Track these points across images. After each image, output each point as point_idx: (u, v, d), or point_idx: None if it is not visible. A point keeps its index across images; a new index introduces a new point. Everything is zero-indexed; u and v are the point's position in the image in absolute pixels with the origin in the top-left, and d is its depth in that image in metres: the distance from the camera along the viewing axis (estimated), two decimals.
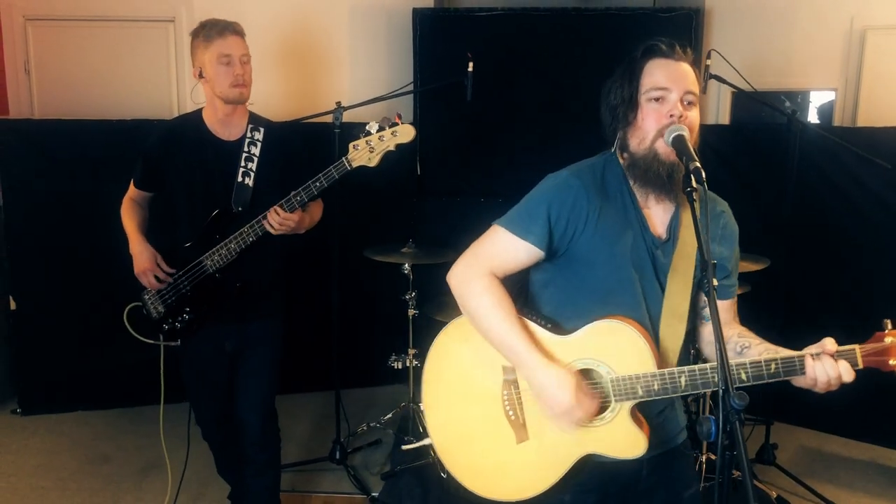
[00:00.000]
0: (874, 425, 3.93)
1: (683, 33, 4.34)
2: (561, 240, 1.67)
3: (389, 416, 3.97)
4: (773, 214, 3.81)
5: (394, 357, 3.78)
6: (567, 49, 4.36)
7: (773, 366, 1.50)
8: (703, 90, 3.55)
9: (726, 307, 1.77)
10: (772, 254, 3.50)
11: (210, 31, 2.58)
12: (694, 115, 1.62)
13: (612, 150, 1.74)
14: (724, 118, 4.80)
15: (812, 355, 1.49)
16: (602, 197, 1.67)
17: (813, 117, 4.74)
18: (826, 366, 1.47)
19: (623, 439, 1.63)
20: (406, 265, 3.62)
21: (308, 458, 3.68)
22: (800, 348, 1.53)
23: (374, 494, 3.40)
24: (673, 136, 1.55)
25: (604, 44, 4.33)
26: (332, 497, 3.41)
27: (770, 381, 1.51)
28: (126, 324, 2.77)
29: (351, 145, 2.55)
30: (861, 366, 1.47)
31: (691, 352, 1.82)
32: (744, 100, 4.64)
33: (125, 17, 4.44)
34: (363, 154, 2.54)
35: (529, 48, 4.40)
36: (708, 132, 4.57)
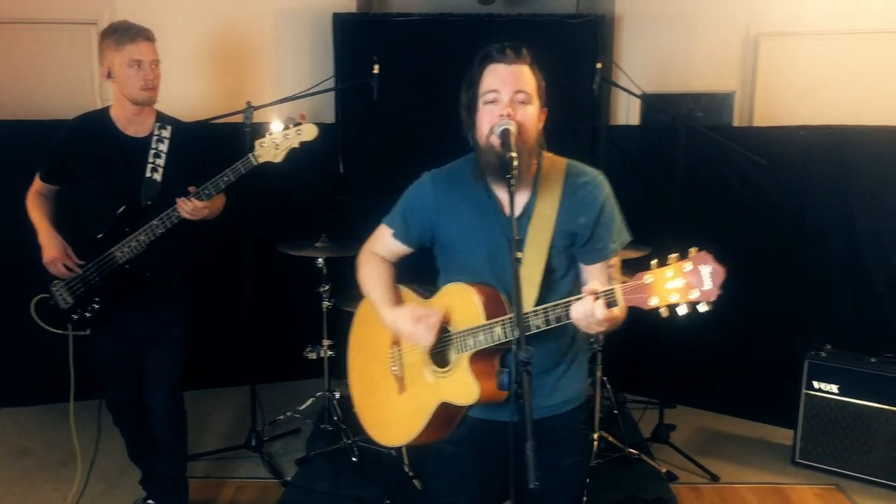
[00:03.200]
0: (764, 406, 4.20)
1: (590, 39, 4.58)
2: (421, 232, 1.98)
3: (307, 405, 4.12)
4: (670, 208, 4.06)
5: (309, 348, 3.93)
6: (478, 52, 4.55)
7: (557, 309, 1.67)
8: (596, 93, 3.82)
9: (598, 270, 1.89)
10: (665, 244, 3.74)
11: (122, 35, 2.70)
12: (526, 112, 1.80)
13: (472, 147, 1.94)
14: (635, 119, 5.05)
15: (576, 298, 1.65)
16: (455, 190, 1.91)
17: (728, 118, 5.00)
18: (584, 304, 1.60)
19: (461, 387, 1.82)
20: (319, 259, 3.77)
21: (225, 447, 3.81)
22: None
23: (286, 479, 3.55)
24: (500, 129, 1.74)
25: None
26: (245, 482, 3.54)
27: (561, 322, 1.67)
28: (34, 315, 2.87)
29: (257, 143, 2.73)
30: (622, 304, 1.56)
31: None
32: (655, 102, 4.90)
33: (48, 19, 4.50)
34: (269, 151, 2.72)
35: (446, 52, 4.55)
36: (615, 132, 4.85)
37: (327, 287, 3.82)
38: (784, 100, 4.68)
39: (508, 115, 1.76)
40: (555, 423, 1.89)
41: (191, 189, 2.69)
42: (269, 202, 4.23)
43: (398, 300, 2.02)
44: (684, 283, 1.47)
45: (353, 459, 3.63)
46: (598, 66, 3.70)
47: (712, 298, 1.46)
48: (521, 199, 1.87)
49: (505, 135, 1.72)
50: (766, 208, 4.19)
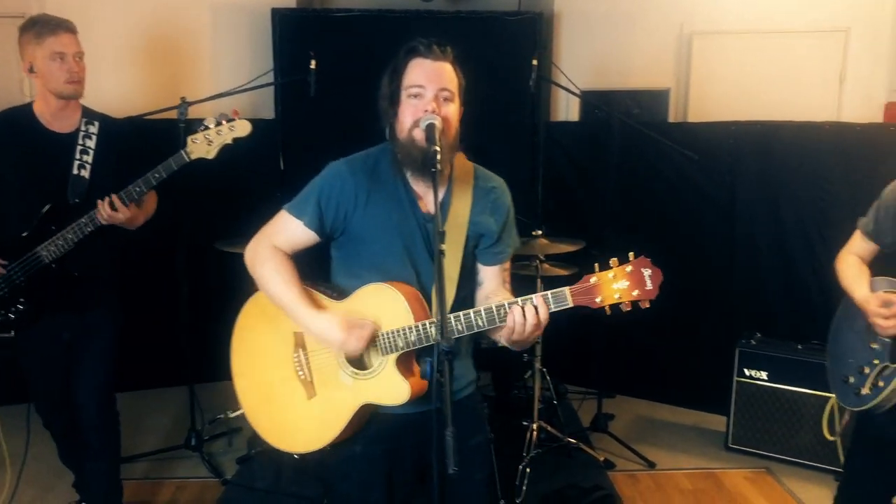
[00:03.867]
0: (699, 394, 4.33)
1: (529, 36, 4.65)
2: (334, 221, 1.89)
3: None
4: (606, 203, 4.16)
5: None
6: None
7: (481, 316, 1.71)
8: (533, 89, 3.87)
9: (494, 273, 1.96)
10: (602, 238, 3.84)
11: (42, 28, 2.64)
12: (450, 110, 1.82)
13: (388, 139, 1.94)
14: (574, 115, 5.13)
15: (509, 303, 1.69)
16: (372, 182, 1.89)
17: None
18: (520, 310, 1.67)
19: (390, 388, 1.82)
20: None
21: (163, 447, 3.76)
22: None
23: (226, 478, 3.52)
24: (425, 123, 1.76)
25: (455, 45, 4.55)
26: (185, 482, 3.51)
27: (485, 328, 1.71)
28: None
29: (189, 138, 2.68)
30: (572, 303, 1.66)
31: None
32: (594, 98, 4.99)
33: None
34: (201, 147, 2.67)
35: (386, 48, 4.54)
36: (555, 128, 4.92)
37: None
38: (716, 96, 4.82)
39: (433, 111, 1.78)
40: (460, 407, 1.89)
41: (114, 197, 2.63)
42: (207, 200, 4.18)
43: (316, 304, 1.90)
44: (627, 285, 1.63)
45: (295, 457, 3.60)
46: (535, 62, 3.74)
47: (652, 297, 1.62)
48: (439, 195, 1.88)
49: (430, 129, 1.74)
50: (699, 201, 4.31)
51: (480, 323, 1.71)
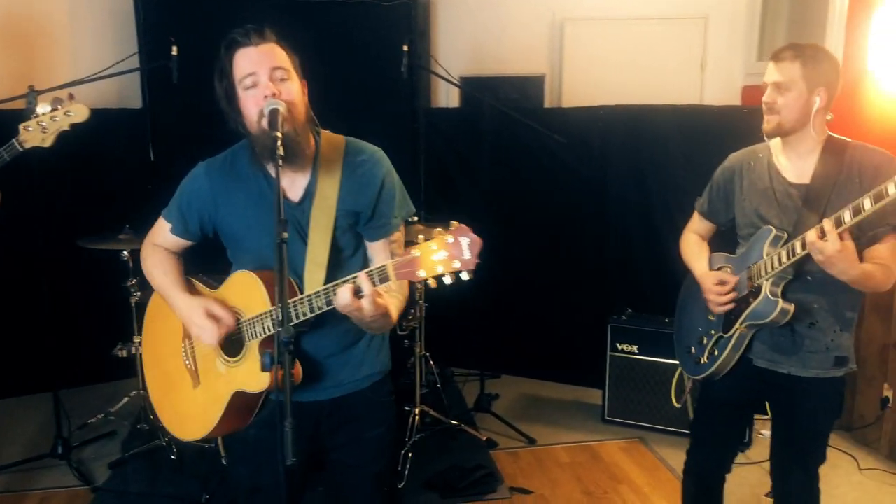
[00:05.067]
0: (578, 370, 4.47)
1: (403, 22, 4.61)
2: (200, 224, 1.92)
3: (121, 405, 3.91)
4: (485, 189, 4.21)
5: (119, 346, 3.72)
6: (292, 37, 4.46)
7: (319, 297, 1.68)
8: (405, 76, 3.87)
9: (381, 247, 1.90)
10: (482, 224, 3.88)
11: None
12: (289, 87, 1.77)
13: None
14: (455, 102, 5.17)
15: (337, 283, 1.67)
16: (231, 178, 1.87)
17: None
18: (346, 288, 1.63)
19: (253, 375, 1.79)
20: (125, 252, 3.57)
21: (26, 457, 3.55)
22: None
23: (97, 485, 3.36)
24: (268, 109, 1.71)
25: (329, 33, 4.51)
26: (51, 493, 3.32)
27: (325, 309, 1.68)
28: None
29: (21, 126, 2.53)
30: (394, 279, 1.61)
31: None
32: (471, 85, 5.03)
33: None
34: (35, 135, 2.54)
35: None
36: (433, 115, 4.93)
37: (134, 281, 3.63)
38: (589, 81, 4.97)
39: (274, 95, 1.74)
40: (357, 399, 1.92)
41: None
42: (73, 194, 3.97)
43: (192, 291, 1.96)
44: (447, 255, 1.54)
45: (172, 457, 3.49)
46: (405, 48, 3.73)
47: (472, 267, 1.54)
48: (302, 180, 1.85)
49: (273, 114, 1.69)
50: (574, 183, 4.44)
51: (319, 304, 1.68)
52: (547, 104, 5.09)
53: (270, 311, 1.75)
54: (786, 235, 2.13)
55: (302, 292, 1.74)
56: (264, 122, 1.72)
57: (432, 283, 1.58)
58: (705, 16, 4.89)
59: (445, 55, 5.09)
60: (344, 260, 1.88)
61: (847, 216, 1.90)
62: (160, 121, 4.53)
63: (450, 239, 1.54)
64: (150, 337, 2.16)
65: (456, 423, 3.77)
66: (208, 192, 1.88)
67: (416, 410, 3.64)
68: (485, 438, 3.78)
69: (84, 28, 4.52)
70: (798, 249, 2.03)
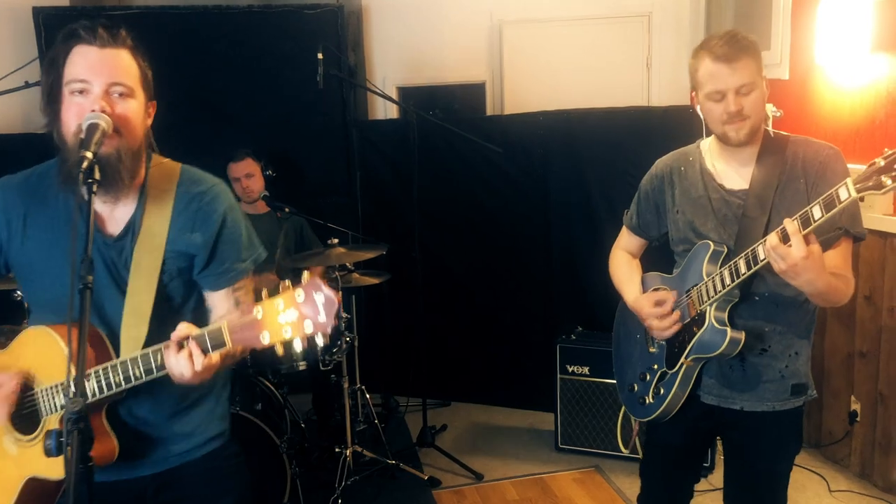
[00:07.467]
0: (532, 394, 4.18)
1: (330, 30, 4.32)
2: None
3: None
4: (425, 205, 3.93)
5: None
6: (211, 47, 4.17)
7: (138, 364, 1.39)
8: (320, 86, 3.59)
9: (223, 296, 1.61)
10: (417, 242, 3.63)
11: None
12: (126, 106, 1.48)
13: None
14: (393, 113, 4.88)
15: (166, 344, 1.39)
16: (33, 202, 1.54)
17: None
18: (171, 357, 1.37)
19: (49, 457, 1.46)
20: None
21: None
22: None
23: None
24: (86, 123, 1.41)
25: (251, 42, 4.21)
26: None
27: (145, 379, 1.39)
28: None
29: None
30: (230, 344, 1.32)
31: None
32: (414, 95, 4.76)
33: None
34: None
35: (175, 50, 4.13)
36: (367, 128, 4.64)
37: None
38: (531, 87, 4.72)
39: (102, 110, 1.44)
40: (189, 471, 1.62)
41: None
42: None
43: None
44: (297, 316, 1.26)
45: None
46: (320, 56, 3.45)
47: (327, 331, 1.26)
48: (124, 211, 1.55)
49: (91, 130, 1.39)
50: (514, 194, 4.18)
51: (138, 373, 1.37)
52: (489, 111, 4.83)
53: (71, 381, 1.42)
54: (726, 250, 1.86)
55: (118, 353, 1.43)
56: (82, 136, 1.41)
57: (280, 350, 1.29)
58: (647, 13, 4.67)
59: (381, 65, 4.82)
60: (171, 312, 1.57)
61: (817, 212, 1.57)
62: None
63: (300, 295, 1.26)
64: None
65: (393, 461, 3.46)
66: (3, 215, 1.54)
67: (348, 452, 3.32)
68: (426, 477, 3.47)
69: None
70: (743, 268, 1.75)
